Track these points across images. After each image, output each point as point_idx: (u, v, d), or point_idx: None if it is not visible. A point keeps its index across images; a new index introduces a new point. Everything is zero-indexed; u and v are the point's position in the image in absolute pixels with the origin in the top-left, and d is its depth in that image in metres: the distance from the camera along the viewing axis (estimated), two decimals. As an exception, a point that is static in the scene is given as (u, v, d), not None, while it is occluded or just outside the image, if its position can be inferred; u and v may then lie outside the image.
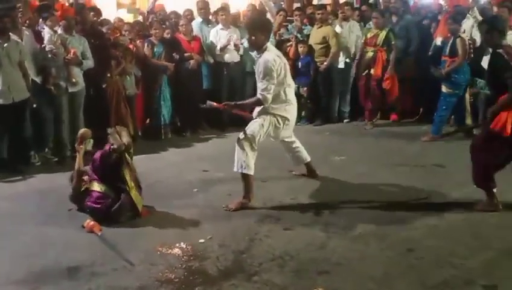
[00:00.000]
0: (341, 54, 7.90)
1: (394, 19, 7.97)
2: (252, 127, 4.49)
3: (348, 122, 8.12)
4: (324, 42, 7.79)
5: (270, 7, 8.76)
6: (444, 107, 6.71)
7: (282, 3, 9.71)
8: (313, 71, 7.83)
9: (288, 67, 4.63)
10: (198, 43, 7.23)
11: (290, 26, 8.20)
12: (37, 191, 4.99)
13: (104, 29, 6.82)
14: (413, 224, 4.07)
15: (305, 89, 7.83)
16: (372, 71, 7.41)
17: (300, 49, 7.78)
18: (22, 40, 5.66)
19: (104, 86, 6.39)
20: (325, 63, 7.77)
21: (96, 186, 4.21)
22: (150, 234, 3.96)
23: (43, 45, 5.79)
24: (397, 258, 3.48)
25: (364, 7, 8.43)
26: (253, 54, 4.64)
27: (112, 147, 4.22)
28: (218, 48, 7.41)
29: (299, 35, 7.97)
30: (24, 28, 5.89)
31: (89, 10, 6.96)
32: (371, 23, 7.80)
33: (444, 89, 6.65)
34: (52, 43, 5.75)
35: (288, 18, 8.30)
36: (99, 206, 4.12)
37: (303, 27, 8.14)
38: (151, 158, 6.13)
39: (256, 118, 4.60)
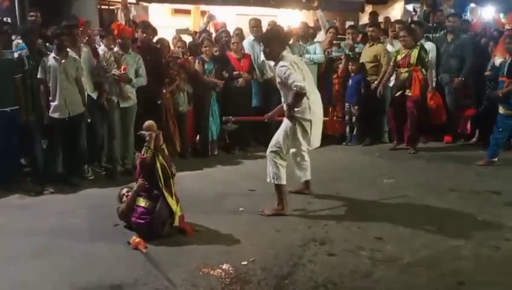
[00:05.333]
0: (393, 72, 7.74)
1: (449, 37, 7.77)
2: (277, 138, 4.75)
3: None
4: (375, 60, 7.68)
5: (324, 23, 8.75)
6: (500, 129, 6.43)
7: (335, 21, 9.67)
8: (364, 89, 7.70)
9: (307, 72, 4.82)
10: (248, 61, 7.28)
11: (342, 44, 8.14)
12: (88, 205, 5.13)
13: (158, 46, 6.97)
14: (466, 254, 3.88)
15: (356, 107, 7.71)
16: (408, 92, 7.11)
17: (349, 68, 7.69)
18: (80, 57, 5.90)
19: (159, 102, 6.51)
20: (376, 82, 7.64)
21: (141, 202, 4.28)
22: (193, 252, 3.97)
23: (96, 62, 6.02)
24: (446, 293, 3.33)
25: (414, 25, 8.26)
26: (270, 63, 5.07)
27: (145, 145, 4.31)
28: (267, 67, 7.43)
29: (350, 53, 7.88)
30: (83, 45, 6.13)
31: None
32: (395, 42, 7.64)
33: (501, 110, 6.38)
34: (104, 60, 5.95)
35: (339, 36, 8.23)
36: (142, 222, 4.20)
37: (355, 45, 8.05)
38: (198, 175, 6.18)
39: (281, 127, 4.81)
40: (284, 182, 4.74)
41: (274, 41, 4.79)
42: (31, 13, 6.87)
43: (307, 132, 4.72)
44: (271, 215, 4.68)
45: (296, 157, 5.16)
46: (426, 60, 7.16)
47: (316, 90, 4.97)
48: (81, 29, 6.29)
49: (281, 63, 4.64)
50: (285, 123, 4.76)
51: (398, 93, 7.24)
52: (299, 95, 4.53)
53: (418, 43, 7.25)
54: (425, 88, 7.19)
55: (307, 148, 5.00)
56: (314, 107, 4.76)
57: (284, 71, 4.57)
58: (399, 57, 7.21)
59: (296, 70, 4.60)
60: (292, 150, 5.04)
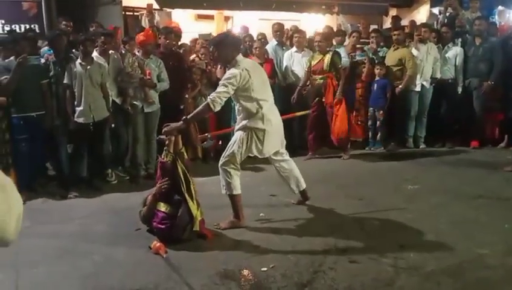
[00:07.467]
0: (418, 76, 7.64)
1: (478, 41, 7.62)
2: (231, 148, 4.54)
3: (424, 148, 7.77)
4: (400, 64, 7.58)
5: (346, 27, 8.70)
6: (530, 135, 6.28)
7: (359, 25, 9.59)
8: (389, 94, 7.60)
9: (263, 80, 4.56)
10: (270, 65, 7.26)
11: (365, 48, 8.06)
12: (110, 209, 5.18)
13: (181, 51, 7.04)
14: (492, 263, 3.76)
15: (381, 112, 7.60)
16: (323, 99, 7.01)
17: (377, 71, 7.60)
18: (109, 63, 5.99)
19: (181, 107, 6.55)
20: (401, 86, 7.53)
21: (162, 207, 4.29)
22: (213, 257, 3.96)
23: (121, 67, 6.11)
24: (472, 303, 3.24)
25: (444, 28, 8.12)
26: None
27: (165, 149, 4.33)
28: (290, 72, 7.41)
29: (374, 57, 7.80)
30: (112, 51, 6.21)
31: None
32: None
33: (530, 114, 6.23)
34: (128, 65, 6.03)
35: (362, 40, 8.16)
36: (163, 227, 4.21)
37: (378, 49, 7.96)
38: (219, 180, 6.14)
39: (233, 138, 4.64)
40: (237, 191, 4.53)
41: (221, 45, 4.54)
42: (64, 22, 7.00)
43: (261, 141, 4.50)
44: (227, 229, 4.46)
45: (278, 171, 4.93)
46: (339, 66, 7.01)
47: (271, 98, 4.66)
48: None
49: (230, 71, 4.39)
50: (238, 133, 4.57)
51: (315, 101, 7.10)
52: (208, 108, 4.38)
53: (332, 49, 7.19)
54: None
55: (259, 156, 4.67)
56: (269, 116, 4.53)
57: (225, 76, 4.41)
58: (313, 63, 7.10)
59: (242, 79, 4.31)
60: (276, 165, 4.88)
